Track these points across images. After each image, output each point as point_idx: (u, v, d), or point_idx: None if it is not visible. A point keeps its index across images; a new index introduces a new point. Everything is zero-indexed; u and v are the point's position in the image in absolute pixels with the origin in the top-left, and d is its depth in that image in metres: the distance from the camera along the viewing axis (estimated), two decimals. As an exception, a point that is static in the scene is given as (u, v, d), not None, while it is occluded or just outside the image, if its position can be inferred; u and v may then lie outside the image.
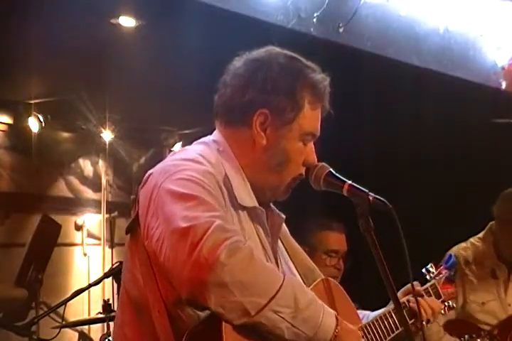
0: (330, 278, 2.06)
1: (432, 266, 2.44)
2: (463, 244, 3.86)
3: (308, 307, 1.70)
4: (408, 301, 2.21)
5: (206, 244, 1.61)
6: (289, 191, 2.02)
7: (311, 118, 1.99)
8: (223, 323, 1.66)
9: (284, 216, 2.06)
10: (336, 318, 1.76)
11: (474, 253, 3.81)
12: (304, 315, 1.69)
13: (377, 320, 2.04)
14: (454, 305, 2.42)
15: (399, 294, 2.18)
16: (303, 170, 2.01)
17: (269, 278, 1.67)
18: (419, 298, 2.21)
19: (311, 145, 2.01)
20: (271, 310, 1.64)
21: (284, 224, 2.10)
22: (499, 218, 3.77)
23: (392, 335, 2.04)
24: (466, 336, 3.38)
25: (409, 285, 2.27)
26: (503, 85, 5.15)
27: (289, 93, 1.95)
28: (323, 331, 1.72)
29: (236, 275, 1.61)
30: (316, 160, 2.01)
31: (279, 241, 2.08)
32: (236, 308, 1.62)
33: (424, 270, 2.41)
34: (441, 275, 2.42)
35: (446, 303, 2.40)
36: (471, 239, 3.87)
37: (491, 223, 3.86)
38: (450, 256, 2.52)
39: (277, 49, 2.03)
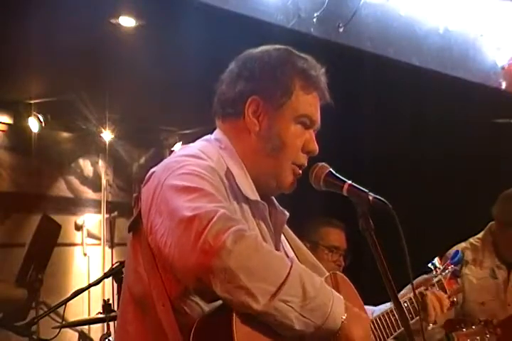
0: (338, 272, 2.05)
1: (438, 261, 2.43)
2: (462, 244, 3.86)
3: (317, 295, 1.70)
4: (421, 293, 2.22)
5: (211, 231, 1.61)
6: (295, 182, 2.01)
7: (304, 101, 1.99)
8: (234, 315, 1.65)
9: (287, 213, 2.06)
10: (345, 305, 1.76)
11: (474, 253, 3.81)
12: (313, 303, 1.69)
13: (383, 316, 2.04)
14: (459, 300, 2.41)
15: (408, 288, 2.21)
16: (304, 159, 2.00)
17: (276, 265, 1.67)
18: (428, 292, 2.23)
19: (310, 133, 2.01)
20: (280, 300, 1.64)
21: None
22: (498, 219, 3.77)
23: (399, 331, 2.04)
24: (462, 324, 3.37)
25: (418, 278, 2.30)
26: (503, 85, 5.15)
27: (278, 78, 1.96)
28: (333, 319, 1.72)
29: (242, 260, 1.61)
30: (316, 148, 2.01)
31: (284, 238, 2.08)
32: (243, 294, 1.61)
33: (430, 265, 2.40)
34: (447, 271, 2.41)
35: (450, 299, 2.39)
36: (471, 239, 3.87)
37: (490, 223, 3.86)
38: (457, 252, 2.52)
39: (270, 46, 2.05)
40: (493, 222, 3.83)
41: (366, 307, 2.14)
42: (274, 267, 1.66)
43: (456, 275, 2.44)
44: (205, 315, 1.73)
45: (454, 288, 2.41)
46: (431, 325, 2.26)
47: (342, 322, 1.74)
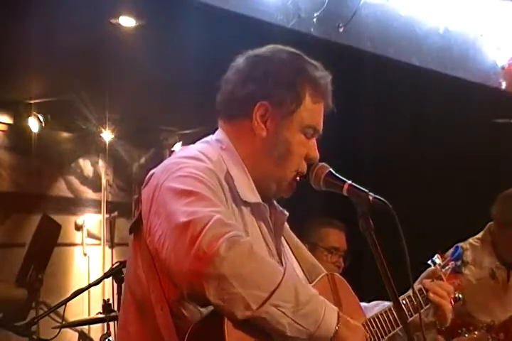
0: (335, 273, 2.05)
1: (438, 257, 2.41)
2: (461, 245, 3.85)
3: (309, 302, 1.70)
4: (425, 289, 2.19)
5: (205, 237, 1.61)
6: (294, 187, 2.01)
7: (312, 111, 1.99)
8: (225, 320, 1.66)
9: (287, 213, 2.06)
10: (338, 314, 1.75)
11: (473, 253, 3.79)
12: (305, 310, 1.68)
13: (382, 314, 2.03)
14: (461, 296, 2.38)
15: (418, 281, 2.21)
16: (305, 167, 2.00)
17: (269, 272, 1.67)
18: (430, 284, 2.20)
19: (313, 141, 2.01)
20: (272, 305, 1.64)
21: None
22: (497, 220, 3.77)
23: (397, 329, 2.03)
24: (464, 328, 3.35)
25: (428, 269, 2.29)
26: (503, 85, 5.15)
27: (290, 86, 1.95)
28: (326, 327, 1.71)
29: (235, 268, 1.61)
30: (317, 156, 2.01)
31: (282, 238, 2.07)
32: (236, 301, 1.62)
33: (429, 262, 2.38)
34: (447, 267, 2.40)
35: (452, 295, 2.36)
36: (470, 240, 3.87)
37: (489, 223, 3.85)
38: (457, 247, 2.50)
39: (280, 46, 2.04)
40: (492, 222, 3.83)
41: (382, 302, 2.12)
42: (267, 274, 1.66)
43: (456, 271, 2.42)
44: (199, 321, 1.73)
45: (455, 284, 2.39)
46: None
47: (336, 330, 1.73)
